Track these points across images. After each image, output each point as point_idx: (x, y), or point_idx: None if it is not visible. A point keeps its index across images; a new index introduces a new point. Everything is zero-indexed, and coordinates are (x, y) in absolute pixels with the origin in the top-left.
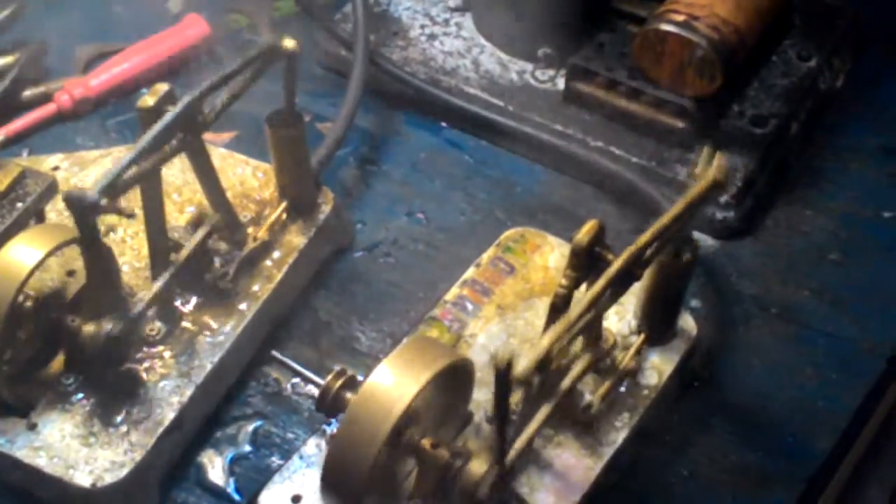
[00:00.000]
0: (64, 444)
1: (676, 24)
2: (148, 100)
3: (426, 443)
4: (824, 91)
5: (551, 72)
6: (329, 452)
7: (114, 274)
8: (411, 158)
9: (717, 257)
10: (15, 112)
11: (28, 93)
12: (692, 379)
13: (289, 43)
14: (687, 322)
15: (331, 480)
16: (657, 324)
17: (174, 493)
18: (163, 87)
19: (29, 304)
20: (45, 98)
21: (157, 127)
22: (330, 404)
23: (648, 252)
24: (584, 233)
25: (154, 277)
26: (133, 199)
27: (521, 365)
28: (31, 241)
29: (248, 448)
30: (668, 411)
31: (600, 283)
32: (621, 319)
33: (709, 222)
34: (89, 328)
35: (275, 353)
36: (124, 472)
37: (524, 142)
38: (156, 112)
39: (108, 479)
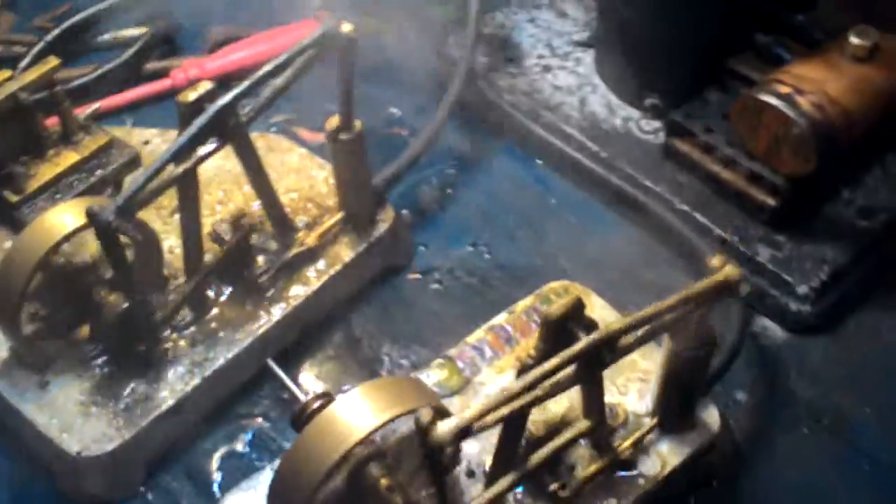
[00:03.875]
0: (66, 407)
1: (778, 95)
2: (189, 95)
3: (383, 483)
4: None
5: (656, 123)
6: (276, 472)
7: (153, 258)
8: (494, 189)
9: (782, 351)
10: (136, 82)
11: (151, 66)
12: (708, 477)
13: (346, 27)
14: (711, 415)
15: (277, 501)
16: (670, 411)
17: (160, 476)
18: (205, 85)
19: (65, 266)
20: (164, 73)
21: (179, 141)
22: (304, 423)
23: (626, 340)
24: (559, 306)
25: (186, 274)
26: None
27: (440, 431)
28: (80, 209)
29: (244, 449)
30: None
31: (553, 362)
32: (642, 398)
33: (781, 312)
34: (110, 301)
35: (269, 360)
36: (110, 446)
37: (610, 192)
38: (194, 108)
39: (94, 449)
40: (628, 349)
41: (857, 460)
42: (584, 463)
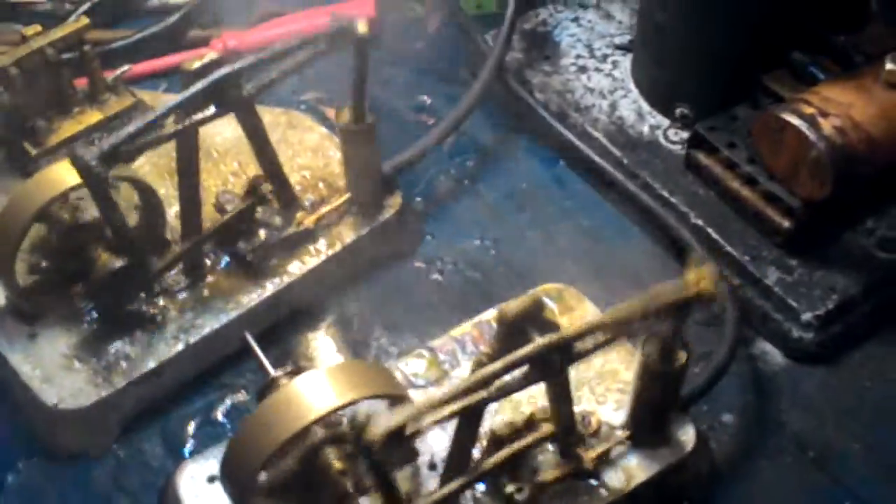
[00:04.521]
0: (51, 360)
1: (801, 115)
2: (193, 63)
3: (336, 465)
4: None
5: (684, 134)
6: (231, 441)
7: (155, 218)
8: (511, 186)
9: (778, 377)
10: (178, 48)
11: (193, 34)
12: (680, 496)
13: (360, 27)
14: (687, 433)
15: (226, 471)
16: (642, 425)
17: (134, 436)
18: (211, 55)
19: (68, 220)
20: (205, 42)
21: (178, 99)
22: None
23: (583, 346)
24: (514, 306)
25: (183, 238)
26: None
27: (372, 432)
28: None
29: (221, 418)
30: None
31: (496, 365)
32: (618, 409)
33: (782, 337)
34: (103, 259)
35: (246, 333)
36: (87, 401)
37: (626, 199)
38: (196, 76)
39: (70, 403)
40: (585, 354)
41: (839, 496)
42: (548, 468)
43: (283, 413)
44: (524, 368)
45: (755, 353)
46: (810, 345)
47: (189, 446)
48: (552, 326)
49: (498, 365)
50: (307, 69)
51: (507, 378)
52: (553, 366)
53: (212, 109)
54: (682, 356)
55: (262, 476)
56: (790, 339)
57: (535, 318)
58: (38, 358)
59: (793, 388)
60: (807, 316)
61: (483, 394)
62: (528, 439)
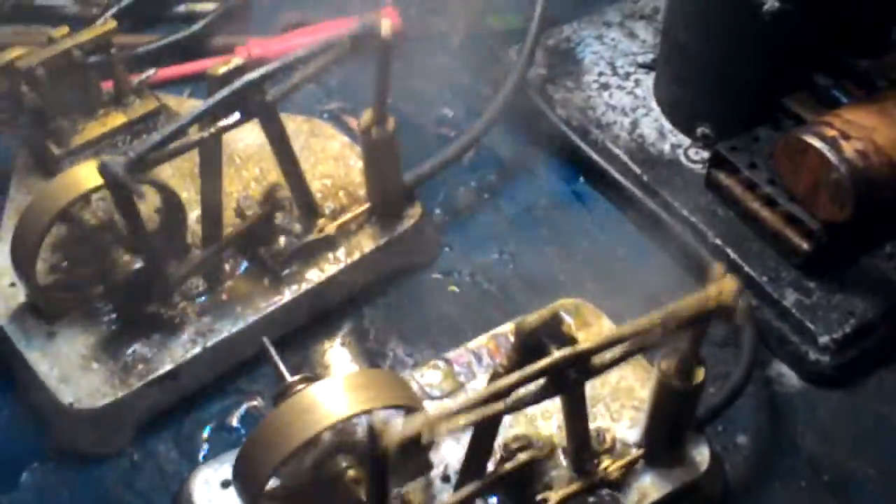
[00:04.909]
0: (69, 359)
1: (823, 138)
2: (219, 68)
3: (350, 474)
4: None
5: (705, 154)
6: (244, 444)
7: (177, 223)
8: (531, 201)
9: (794, 400)
10: (203, 55)
11: (218, 41)
12: None
13: (384, 28)
14: (701, 454)
15: (238, 474)
16: (657, 443)
17: (148, 439)
18: (237, 60)
19: (90, 221)
20: (230, 49)
21: (203, 107)
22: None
23: (600, 360)
24: (533, 319)
25: (203, 243)
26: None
27: (388, 440)
28: None
29: (236, 423)
30: None
31: (513, 377)
32: (633, 426)
33: (799, 360)
34: (122, 260)
35: (264, 338)
36: (102, 401)
37: (646, 217)
38: (222, 81)
39: (86, 403)
40: (602, 368)
41: None
42: (562, 483)
43: (298, 418)
44: (540, 382)
45: (771, 376)
46: (827, 368)
47: (203, 451)
48: (570, 340)
49: (515, 377)
50: (330, 78)
51: (522, 391)
52: (569, 380)
53: (236, 116)
54: (700, 374)
55: (275, 481)
56: (807, 361)
57: (553, 331)
58: (55, 357)
59: (808, 412)
60: (824, 339)
61: (499, 405)
62: (537, 452)
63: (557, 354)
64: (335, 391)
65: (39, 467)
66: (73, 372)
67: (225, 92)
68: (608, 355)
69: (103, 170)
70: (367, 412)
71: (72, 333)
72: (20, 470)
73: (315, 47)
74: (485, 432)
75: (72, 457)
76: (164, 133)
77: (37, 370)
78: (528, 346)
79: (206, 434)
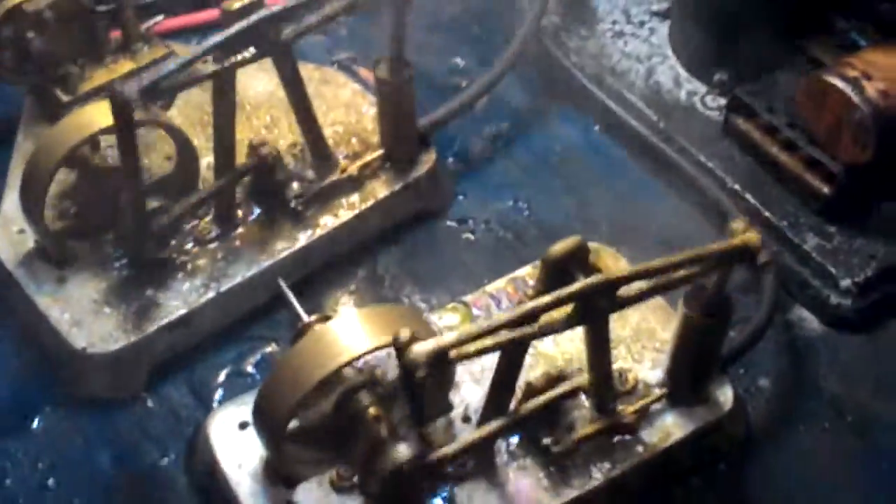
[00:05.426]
0: (80, 304)
1: (845, 78)
2: (234, 3)
3: (371, 412)
4: None
5: (721, 101)
6: (263, 383)
7: (188, 166)
8: (545, 149)
9: (815, 343)
10: (211, 4)
11: None
12: (715, 458)
13: None
14: (725, 393)
15: (258, 412)
16: (681, 383)
17: (162, 384)
18: None
19: (99, 165)
20: None
21: (215, 39)
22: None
23: (628, 291)
24: (561, 247)
25: (215, 179)
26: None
27: (415, 351)
28: None
29: (251, 369)
30: (665, 480)
31: (542, 300)
32: (654, 367)
33: (820, 304)
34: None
35: (280, 279)
36: (115, 346)
37: (662, 163)
38: (238, 16)
39: (99, 347)
40: (629, 301)
41: (877, 460)
42: (584, 424)
43: (318, 353)
44: (568, 309)
45: (793, 320)
46: (848, 312)
47: (218, 396)
48: (597, 270)
49: (544, 300)
50: (339, 28)
51: (548, 318)
52: (597, 309)
53: (250, 52)
54: (725, 307)
55: (295, 421)
56: (828, 305)
57: (580, 260)
58: (66, 302)
59: (830, 356)
60: (845, 283)
61: (527, 329)
62: (564, 387)
63: (589, 280)
64: (354, 325)
65: (52, 413)
66: (84, 316)
67: (239, 25)
68: (636, 287)
69: (116, 95)
70: (388, 346)
71: (83, 278)
72: (32, 416)
73: None
74: (510, 360)
75: (84, 402)
76: (178, 62)
77: (48, 315)
78: (554, 276)
79: (221, 379)
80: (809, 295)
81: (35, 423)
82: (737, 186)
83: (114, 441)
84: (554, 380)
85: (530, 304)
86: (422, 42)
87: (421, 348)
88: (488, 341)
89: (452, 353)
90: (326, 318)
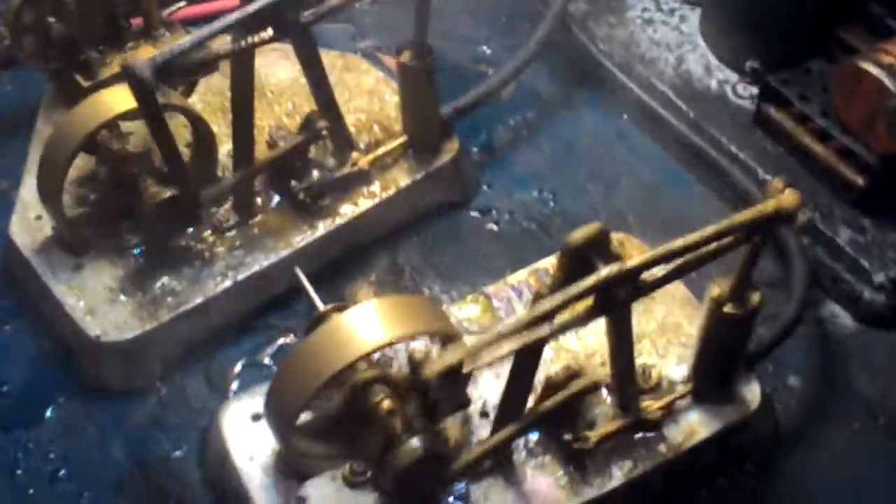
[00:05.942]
0: (95, 292)
1: (879, 64)
2: None
3: (385, 405)
4: None
5: (753, 90)
6: (276, 374)
7: (208, 152)
8: (571, 139)
9: (847, 341)
10: None
11: None
12: (741, 458)
13: None
14: (752, 391)
15: (269, 406)
16: (706, 379)
17: (177, 375)
18: None
19: (118, 151)
20: None
21: (234, 16)
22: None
23: (651, 277)
24: (581, 233)
25: (234, 167)
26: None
27: (429, 368)
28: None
29: (267, 360)
30: (689, 481)
31: (558, 297)
32: (680, 363)
33: (853, 299)
34: (152, 190)
35: (297, 269)
36: (130, 334)
37: (691, 153)
38: None
39: (113, 336)
40: (652, 287)
41: None
42: (606, 421)
43: (332, 345)
44: (587, 302)
45: (824, 316)
46: (883, 308)
47: (233, 387)
48: (618, 257)
49: (560, 297)
50: (363, 16)
51: (567, 314)
52: (618, 299)
53: (269, 33)
54: (754, 298)
55: (307, 414)
56: (862, 301)
57: (600, 247)
58: (82, 289)
59: (863, 353)
60: (879, 277)
61: (544, 329)
62: (583, 383)
63: (606, 270)
64: (370, 317)
65: (65, 403)
66: (99, 305)
67: (258, 3)
68: (659, 272)
69: (129, 73)
70: (404, 339)
71: (99, 266)
72: (45, 405)
73: None
74: (527, 360)
75: (98, 392)
76: (194, 39)
77: (63, 302)
78: (574, 265)
79: (236, 370)
80: (842, 290)
81: (48, 413)
82: (768, 177)
83: (127, 432)
84: (574, 374)
85: (546, 303)
86: (447, 29)
87: (433, 368)
88: (504, 348)
89: (466, 368)
90: (342, 308)
